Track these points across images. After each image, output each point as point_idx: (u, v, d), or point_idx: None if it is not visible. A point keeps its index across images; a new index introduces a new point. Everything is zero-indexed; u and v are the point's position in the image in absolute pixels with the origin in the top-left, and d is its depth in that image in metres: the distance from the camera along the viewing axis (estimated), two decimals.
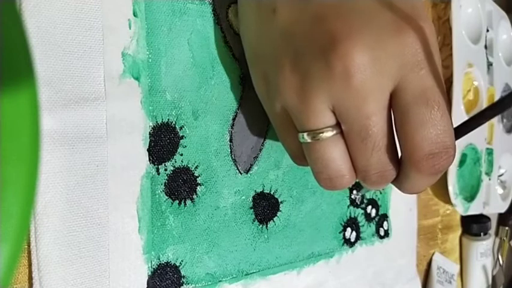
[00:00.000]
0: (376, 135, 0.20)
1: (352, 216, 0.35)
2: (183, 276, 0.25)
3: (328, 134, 0.21)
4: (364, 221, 0.36)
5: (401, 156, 0.22)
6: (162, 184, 0.24)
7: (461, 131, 0.22)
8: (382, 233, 0.37)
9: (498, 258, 0.56)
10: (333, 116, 0.21)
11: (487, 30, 0.52)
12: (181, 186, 0.25)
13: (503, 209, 0.55)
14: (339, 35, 0.19)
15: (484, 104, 0.50)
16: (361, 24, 0.20)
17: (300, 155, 0.24)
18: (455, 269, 0.49)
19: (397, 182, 0.23)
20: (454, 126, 0.22)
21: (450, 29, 0.45)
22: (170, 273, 0.24)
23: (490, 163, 0.52)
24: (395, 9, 0.20)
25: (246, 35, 0.25)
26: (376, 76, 0.19)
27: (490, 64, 0.52)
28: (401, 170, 0.22)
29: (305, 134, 0.22)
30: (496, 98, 0.53)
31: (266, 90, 0.24)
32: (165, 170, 0.24)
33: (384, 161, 0.21)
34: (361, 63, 0.19)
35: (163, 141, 0.24)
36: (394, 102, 0.20)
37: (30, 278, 0.20)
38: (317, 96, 0.20)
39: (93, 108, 0.22)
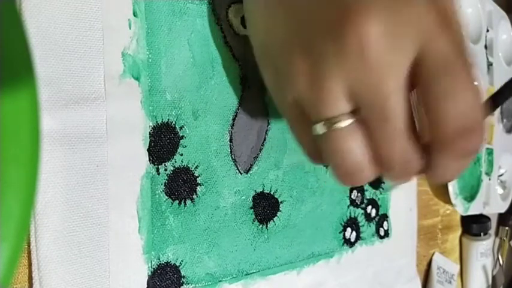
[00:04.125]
0: (397, 118, 0.19)
1: (352, 216, 0.35)
2: (183, 276, 0.25)
3: (345, 122, 0.19)
4: (364, 221, 0.36)
5: (428, 143, 0.20)
6: (162, 184, 0.24)
7: (496, 101, 0.19)
8: (382, 233, 0.37)
9: (498, 258, 0.56)
10: (349, 103, 0.19)
11: (487, 30, 0.52)
12: (181, 186, 0.25)
13: (503, 209, 0.55)
14: (350, 8, 0.18)
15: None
16: None
17: (316, 152, 0.23)
18: (455, 269, 0.49)
19: (426, 171, 0.21)
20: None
21: None
22: (170, 273, 0.24)
23: (490, 163, 0.52)
24: None
25: (252, 27, 0.24)
26: (393, 49, 0.18)
27: (490, 64, 0.52)
28: (430, 156, 0.20)
29: (320, 125, 0.20)
30: None
31: (277, 84, 0.23)
32: (165, 170, 0.24)
33: (407, 148, 0.20)
34: (376, 36, 0.17)
35: (163, 141, 0.24)
36: (415, 76, 0.19)
37: (30, 278, 0.20)
38: (330, 79, 0.19)
39: (93, 108, 0.22)
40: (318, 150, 0.22)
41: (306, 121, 0.22)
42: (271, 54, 0.23)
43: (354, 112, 0.20)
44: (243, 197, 0.28)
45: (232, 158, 0.27)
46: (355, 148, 0.20)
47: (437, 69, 0.18)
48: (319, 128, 0.20)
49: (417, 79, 0.19)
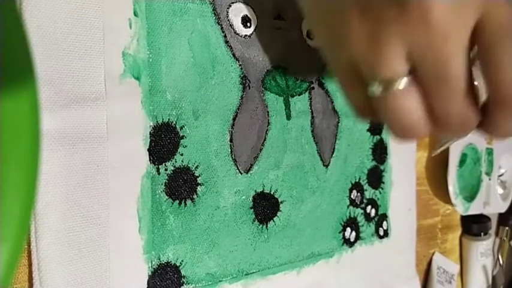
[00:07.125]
0: (457, 79, 0.19)
1: (352, 216, 0.35)
2: (183, 276, 0.25)
3: (402, 83, 0.20)
4: (364, 220, 0.36)
5: (487, 99, 0.21)
6: (162, 184, 0.24)
7: None
8: (381, 232, 0.37)
9: (498, 258, 0.56)
10: (407, 63, 0.20)
11: None
12: (182, 186, 0.25)
13: (503, 209, 0.55)
14: None
15: None
16: None
17: (366, 110, 0.23)
18: (455, 269, 0.49)
19: (484, 127, 0.21)
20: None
21: None
22: (170, 273, 0.24)
23: (490, 163, 0.52)
24: None
25: None
26: (456, 12, 0.18)
27: None
28: (487, 112, 0.21)
29: (376, 85, 0.20)
30: None
31: (330, 43, 0.23)
32: (166, 170, 0.24)
33: (464, 107, 0.20)
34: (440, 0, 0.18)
35: (163, 141, 0.24)
36: (477, 39, 0.19)
37: (30, 278, 0.20)
38: (390, 41, 0.19)
39: (94, 108, 0.22)
40: (370, 108, 0.22)
41: (358, 81, 0.22)
42: (325, 15, 0.22)
43: (410, 72, 0.20)
44: (243, 197, 0.28)
45: (232, 158, 0.27)
46: (412, 108, 0.20)
47: (498, 35, 0.19)
48: (376, 88, 0.20)
49: (477, 42, 0.19)
